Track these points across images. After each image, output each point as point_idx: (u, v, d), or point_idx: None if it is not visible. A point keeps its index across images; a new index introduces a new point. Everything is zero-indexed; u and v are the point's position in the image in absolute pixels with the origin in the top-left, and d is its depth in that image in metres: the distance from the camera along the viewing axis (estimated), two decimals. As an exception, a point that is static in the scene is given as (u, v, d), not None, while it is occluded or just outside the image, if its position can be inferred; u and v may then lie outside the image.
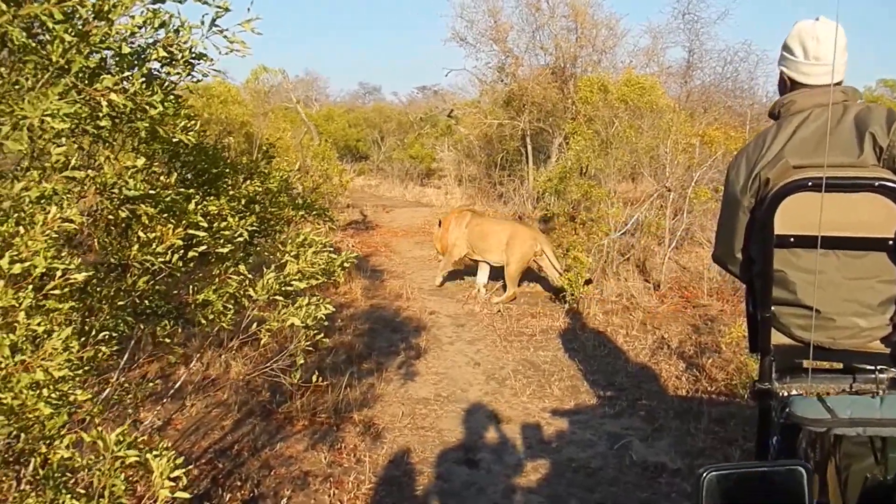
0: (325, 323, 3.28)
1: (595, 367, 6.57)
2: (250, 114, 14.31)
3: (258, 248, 3.35)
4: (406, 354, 6.93)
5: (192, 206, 2.54)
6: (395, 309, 8.71)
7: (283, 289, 2.98)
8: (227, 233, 2.77)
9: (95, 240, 2.63)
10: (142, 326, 3.23)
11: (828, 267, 2.17)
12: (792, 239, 2.17)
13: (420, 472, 4.60)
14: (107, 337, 2.64)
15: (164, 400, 5.45)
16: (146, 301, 2.81)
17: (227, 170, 3.12)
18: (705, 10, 22.43)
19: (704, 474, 1.71)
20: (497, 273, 9.42)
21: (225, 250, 2.78)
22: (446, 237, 9.79)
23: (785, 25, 2.37)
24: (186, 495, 2.07)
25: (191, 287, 2.88)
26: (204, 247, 2.67)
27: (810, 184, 2.07)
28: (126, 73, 2.33)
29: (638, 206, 9.84)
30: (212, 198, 2.85)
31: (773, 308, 2.30)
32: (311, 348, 6.81)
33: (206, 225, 2.57)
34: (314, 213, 3.63)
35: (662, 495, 4.23)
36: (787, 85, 2.38)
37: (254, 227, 2.95)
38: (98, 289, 2.73)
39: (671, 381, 6.06)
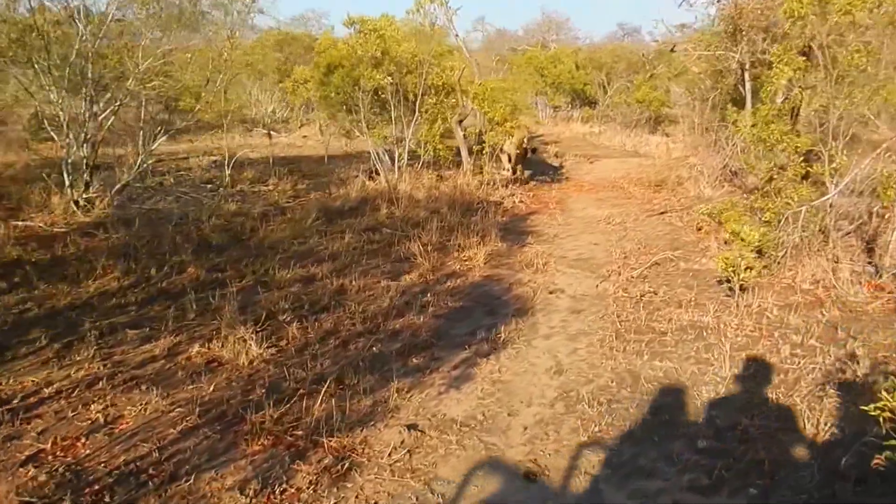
0: None
1: (721, 394, 4.53)
2: (427, 52, 13.01)
3: None
4: (476, 349, 5.37)
5: None
6: (512, 283, 7.11)
7: None
8: None
9: None
10: None
11: None
12: None
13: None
14: None
15: (144, 387, 4.53)
16: None
17: None
18: None
19: None
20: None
21: None
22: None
23: None
24: None
25: None
26: None
27: None
28: None
29: (872, 157, 7.12)
30: None
31: None
32: (370, 331, 5.58)
33: None
34: None
35: None
36: None
37: None
38: None
39: (827, 438, 3.91)
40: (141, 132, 10.10)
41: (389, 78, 11.41)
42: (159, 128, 10.59)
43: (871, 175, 6.96)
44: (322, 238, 8.64)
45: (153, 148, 10.07)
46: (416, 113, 11.86)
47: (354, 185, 11.82)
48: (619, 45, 32.20)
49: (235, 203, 10.43)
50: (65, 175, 9.48)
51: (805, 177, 7.51)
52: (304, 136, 21.94)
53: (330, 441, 3.91)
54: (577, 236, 9.25)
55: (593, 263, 7.85)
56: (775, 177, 7.34)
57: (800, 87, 7.58)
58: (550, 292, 6.85)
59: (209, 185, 11.51)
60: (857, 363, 4.76)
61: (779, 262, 7.00)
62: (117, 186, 9.75)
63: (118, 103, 9.45)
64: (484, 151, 12.11)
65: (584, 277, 7.36)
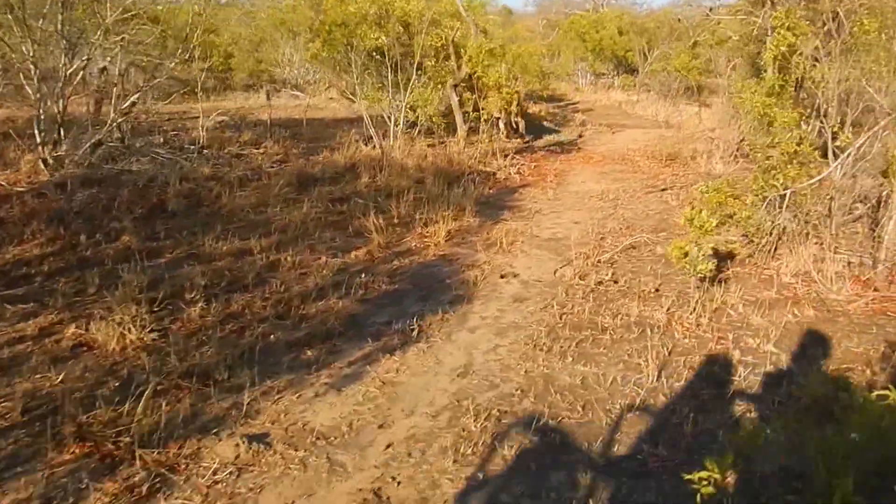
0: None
1: (635, 411, 3.87)
2: (436, 11, 12.24)
3: None
4: (384, 342, 4.78)
5: None
6: (465, 264, 6.48)
7: None
8: None
9: None
10: None
11: None
12: None
13: None
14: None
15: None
16: None
17: None
18: None
19: None
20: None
21: None
22: None
23: None
24: None
25: None
26: None
27: None
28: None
29: (868, 136, 6.23)
30: None
31: None
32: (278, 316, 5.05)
33: None
34: None
35: None
36: None
37: None
38: None
39: (738, 479, 3.22)
40: (114, 89, 9.67)
41: (384, 38, 10.71)
42: (143, 86, 10.20)
43: (869, 154, 6.08)
44: (285, 207, 8.11)
45: (125, 106, 9.62)
46: (413, 76, 11.16)
47: (346, 150, 11.23)
48: (665, 11, 30.52)
49: (212, 166, 9.96)
50: (36, 132, 9.14)
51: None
52: (331, 98, 21.38)
53: (151, 453, 3.38)
54: (561, 213, 8.54)
55: (565, 244, 7.14)
56: (766, 157, 6.48)
57: (799, 54, 6.69)
58: (502, 276, 6.21)
59: (192, 147, 11.05)
60: (808, 379, 4.03)
61: (761, 250, 6.23)
62: (86, 145, 9.36)
63: (86, 58, 9.02)
64: (482, 119, 11.37)
65: (547, 260, 6.69)
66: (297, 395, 4.06)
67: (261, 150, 11.52)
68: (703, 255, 5.05)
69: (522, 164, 11.36)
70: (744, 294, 5.46)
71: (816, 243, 6.33)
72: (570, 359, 4.52)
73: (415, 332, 4.91)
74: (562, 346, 4.70)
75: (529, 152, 12.63)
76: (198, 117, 14.91)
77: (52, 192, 7.78)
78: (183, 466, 3.34)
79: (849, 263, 6.02)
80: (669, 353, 4.55)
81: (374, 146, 11.28)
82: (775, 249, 6.33)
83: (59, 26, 8.88)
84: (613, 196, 9.31)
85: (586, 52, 29.08)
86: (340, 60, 11.54)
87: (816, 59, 7.15)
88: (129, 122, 10.28)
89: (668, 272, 6.15)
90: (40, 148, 9.12)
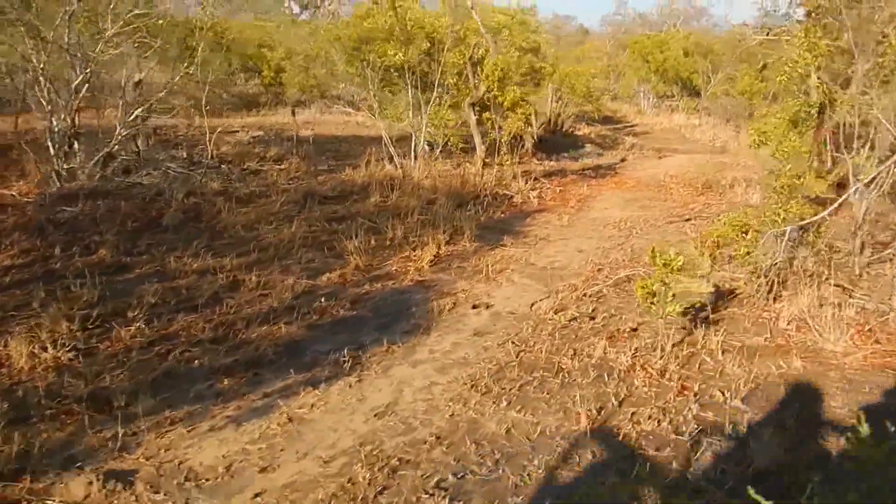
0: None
1: (551, 471, 3.39)
2: (471, 28, 11.89)
3: None
4: (315, 372, 4.43)
5: None
6: (439, 292, 6.08)
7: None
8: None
9: None
10: None
11: None
12: None
13: None
14: None
15: None
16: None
17: None
18: None
19: None
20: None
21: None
22: None
23: None
24: None
25: None
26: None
27: None
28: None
29: (880, 170, 5.56)
30: None
31: None
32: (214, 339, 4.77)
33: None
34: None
35: None
36: None
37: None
38: None
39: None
40: (121, 102, 9.67)
41: (401, 55, 10.46)
42: (151, 100, 10.18)
43: (882, 187, 5.44)
44: (280, 225, 7.86)
45: (130, 119, 9.59)
46: (434, 93, 10.83)
47: (368, 168, 10.98)
48: (734, 30, 29.39)
49: (224, 182, 9.85)
50: (49, 144, 9.19)
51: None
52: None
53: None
54: (568, 240, 8.03)
55: (559, 274, 6.66)
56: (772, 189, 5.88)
57: (819, 77, 6.06)
58: (474, 306, 5.78)
59: (205, 161, 10.99)
60: (761, 447, 3.48)
61: (759, 290, 5.63)
62: (96, 158, 9.36)
63: (88, 70, 9.03)
64: (501, 139, 10.96)
65: (532, 290, 6.22)
66: (191, 428, 3.74)
67: (282, 167, 11.39)
68: (675, 293, 4.51)
69: (546, 188, 10.88)
70: (728, 338, 4.89)
71: (833, 284, 5.70)
72: (506, 403, 4.06)
73: (347, 364, 4.52)
74: (503, 388, 4.25)
75: (560, 175, 12.11)
76: (237, 131, 15.09)
77: (37, 204, 7.75)
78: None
79: (863, 309, 5.37)
80: (620, 404, 4.04)
81: (397, 166, 11.02)
82: (781, 289, 5.72)
83: (66, 38, 8.91)
84: (631, 225, 8.74)
85: (649, 73, 28.37)
86: (360, 75, 11.35)
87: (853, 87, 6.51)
88: (141, 133, 10.30)
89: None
90: (54, 160, 9.17)
